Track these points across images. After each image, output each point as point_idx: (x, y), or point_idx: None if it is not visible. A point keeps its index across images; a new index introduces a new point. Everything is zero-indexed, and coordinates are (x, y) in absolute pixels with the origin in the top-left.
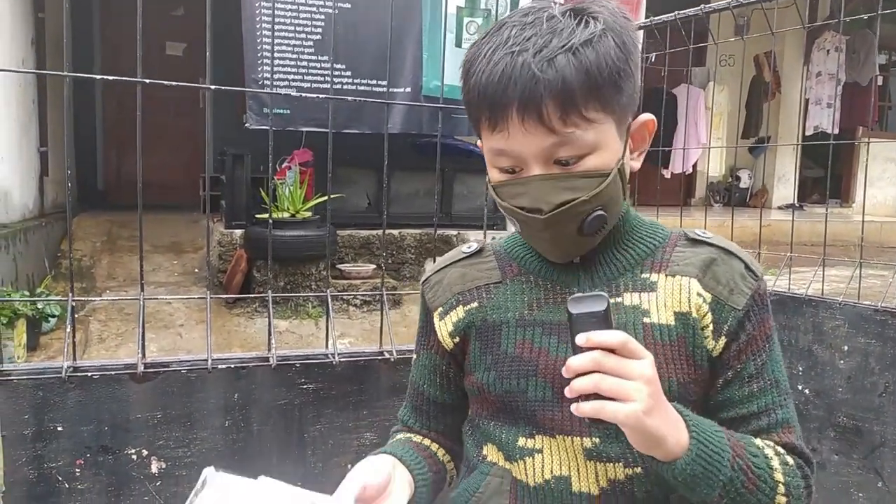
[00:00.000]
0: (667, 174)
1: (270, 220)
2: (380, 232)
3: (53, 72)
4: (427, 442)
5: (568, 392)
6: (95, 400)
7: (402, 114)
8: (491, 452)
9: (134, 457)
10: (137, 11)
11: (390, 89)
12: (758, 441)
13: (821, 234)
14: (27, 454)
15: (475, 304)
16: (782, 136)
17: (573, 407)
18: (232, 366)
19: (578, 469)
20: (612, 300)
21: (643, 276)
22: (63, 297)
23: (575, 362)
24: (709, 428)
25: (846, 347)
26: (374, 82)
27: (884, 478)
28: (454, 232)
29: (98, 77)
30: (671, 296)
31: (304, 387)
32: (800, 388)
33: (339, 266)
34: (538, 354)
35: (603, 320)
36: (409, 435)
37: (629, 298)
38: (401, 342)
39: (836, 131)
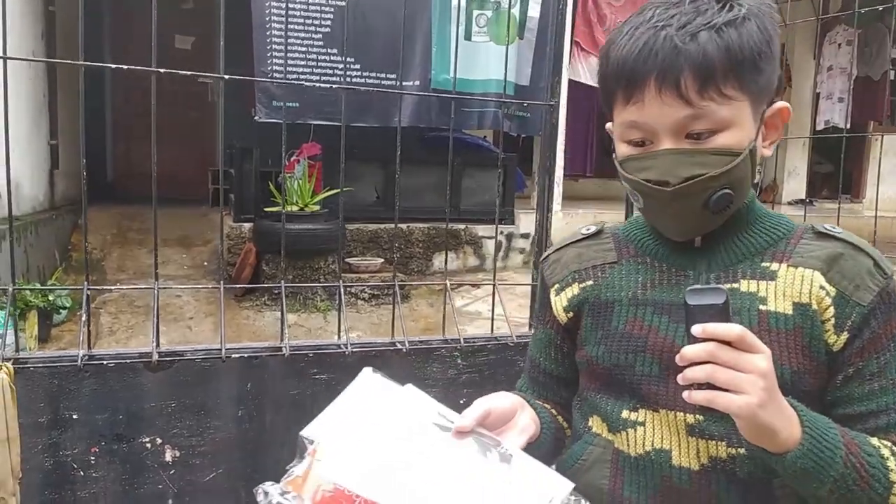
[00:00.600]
0: None
1: (284, 212)
2: (388, 226)
3: (68, 61)
4: (547, 406)
5: (681, 380)
6: (110, 388)
7: (410, 107)
8: (595, 423)
9: (148, 445)
10: (152, 1)
11: (400, 82)
12: (874, 440)
13: None
14: (43, 442)
15: (590, 282)
16: (792, 131)
17: (685, 394)
18: (245, 355)
19: (679, 444)
20: (728, 286)
21: (763, 264)
22: (77, 287)
23: (689, 352)
24: (823, 424)
25: None
26: (383, 75)
27: None
28: (462, 226)
29: (113, 66)
30: (791, 286)
31: (317, 377)
32: None
33: (348, 260)
34: (648, 332)
35: (720, 313)
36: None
37: (746, 285)
38: (410, 335)
39: (848, 126)
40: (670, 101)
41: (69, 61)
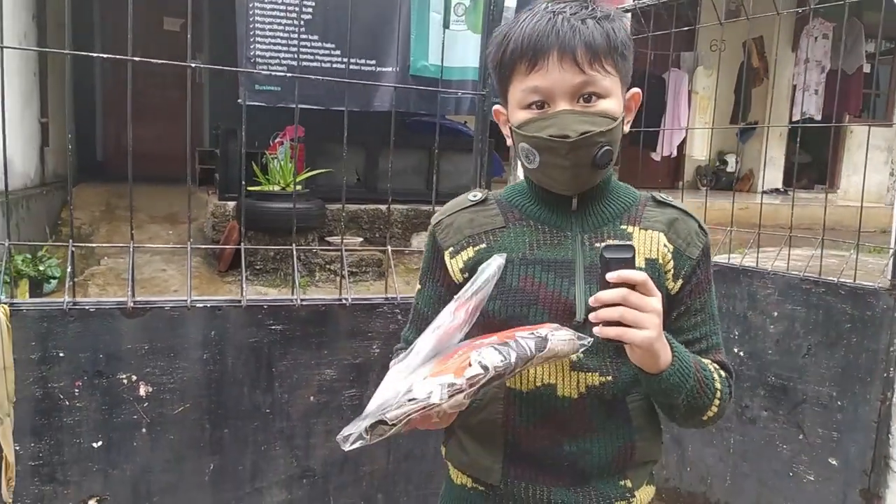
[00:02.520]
0: (656, 157)
1: (243, 184)
2: (368, 206)
3: (54, 49)
4: None
5: (593, 317)
6: (92, 332)
7: (390, 92)
8: None
9: (125, 381)
10: None
11: (378, 68)
12: (705, 360)
13: (803, 217)
14: (34, 375)
15: (483, 245)
16: (771, 122)
17: (596, 329)
18: (209, 305)
19: (563, 378)
20: (597, 244)
21: (622, 227)
22: (62, 244)
23: (605, 295)
24: (682, 350)
25: (775, 313)
26: (362, 61)
27: (804, 431)
28: (440, 208)
29: (94, 55)
30: (643, 244)
31: (273, 327)
32: (735, 350)
33: (328, 238)
34: (538, 287)
35: (629, 264)
36: None
37: None
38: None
39: (819, 118)
40: (568, 69)
41: (55, 50)
